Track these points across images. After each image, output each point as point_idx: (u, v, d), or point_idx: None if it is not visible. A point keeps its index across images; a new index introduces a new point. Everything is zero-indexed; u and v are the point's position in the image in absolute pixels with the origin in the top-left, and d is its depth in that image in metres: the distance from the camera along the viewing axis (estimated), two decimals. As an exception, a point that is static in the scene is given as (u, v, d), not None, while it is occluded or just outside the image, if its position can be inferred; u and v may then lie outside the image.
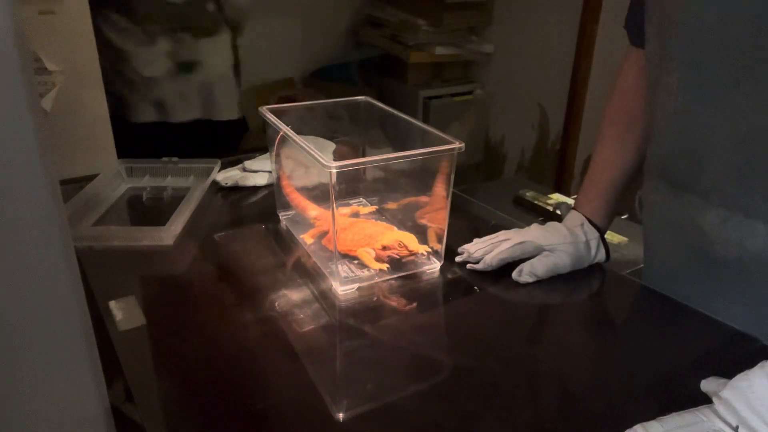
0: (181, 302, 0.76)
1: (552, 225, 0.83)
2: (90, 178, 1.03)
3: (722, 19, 0.59)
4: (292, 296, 0.76)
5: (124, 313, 0.71)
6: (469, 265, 0.82)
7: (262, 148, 1.12)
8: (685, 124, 0.66)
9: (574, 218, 0.83)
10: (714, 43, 0.61)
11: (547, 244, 0.79)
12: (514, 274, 0.79)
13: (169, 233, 0.88)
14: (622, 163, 0.84)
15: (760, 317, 0.67)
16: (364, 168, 1.01)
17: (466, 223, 1.01)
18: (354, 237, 0.81)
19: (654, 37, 0.70)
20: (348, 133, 1.03)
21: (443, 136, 0.78)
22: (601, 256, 0.82)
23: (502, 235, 0.82)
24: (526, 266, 0.79)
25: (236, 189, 1.08)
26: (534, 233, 0.81)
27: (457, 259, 0.83)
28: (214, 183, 1.08)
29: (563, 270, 0.80)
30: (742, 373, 0.50)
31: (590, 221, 0.83)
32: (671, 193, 0.72)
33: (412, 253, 0.79)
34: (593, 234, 0.82)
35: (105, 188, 1.04)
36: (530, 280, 0.78)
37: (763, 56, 0.57)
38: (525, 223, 0.87)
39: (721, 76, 0.61)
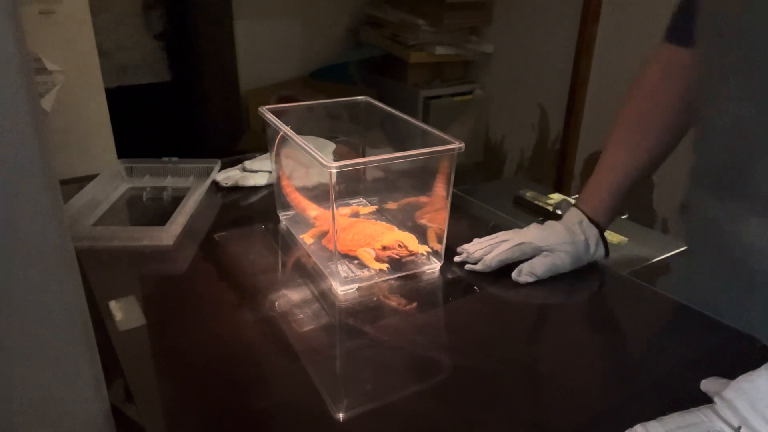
0: (181, 302, 0.76)
1: (551, 224, 0.83)
2: (90, 178, 1.03)
3: None
4: (292, 296, 0.76)
5: (124, 313, 0.71)
6: (467, 266, 0.82)
7: (262, 148, 1.12)
8: (743, 132, 0.64)
9: (573, 216, 0.83)
10: None
11: (546, 244, 0.79)
12: (514, 275, 0.79)
13: (169, 233, 0.88)
14: (632, 167, 0.82)
15: None
16: (364, 168, 1.01)
17: (466, 223, 1.01)
18: (354, 237, 0.81)
19: (712, 41, 0.67)
20: (348, 133, 1.03)
21: (443, 136, 0.78)
22: (600, 253, 0.82)
23: (501, 235, 0.82)
24: (525, 266, 0.79)
25: (236, 189, 1.08)
26: (533, 233, 0.81)
27: (456, 259, 0.83)
28: (214, 183, 1.08)
29: (563, 269, 0.80)
30: (746, 374, 0.50)
31: (590, 219, 0.82)
32: (717, 200, 0.70)
33: (412, 254, 0.79)
34: (592, 231, 0.82)
35: (105, 188, 1.04)
36: (530, 280, 0.78)
37: None
38: (525, 223, 0.87)
39: None
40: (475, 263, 0.81)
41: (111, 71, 2.25)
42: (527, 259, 0.79)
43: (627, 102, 0.84)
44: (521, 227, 0.84)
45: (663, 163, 0.83)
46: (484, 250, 0.81)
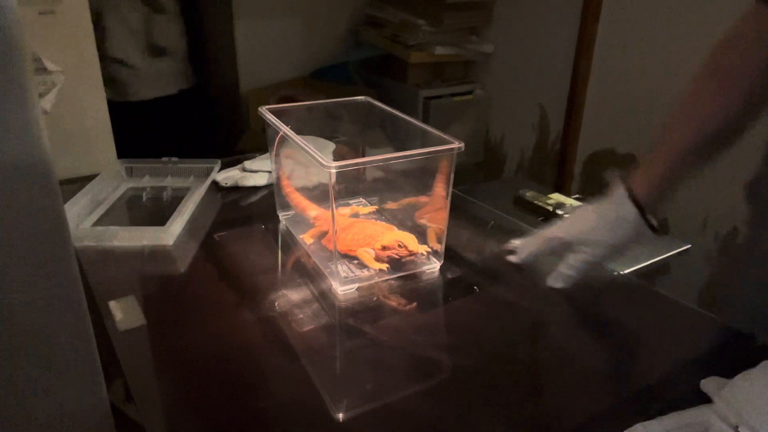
0: (181, 302, 0.76)
1: (593, 210, 0.75)
2: (90, 178, 1.03)
3: None
4: (292, 296, 0.76)
5: (124, 313, 0.71)
6: (508, 256, 0.83)
7: (262, 148, 1.12)
8: None
9: (616, 195, 0.73)
10: None
11: (577, 238, 0.75)
12: (549, 281, 0.78)
13: (169, 233, 0.88)
14: (706, 126, 0.67)
15: None
16: (364, 168, 1.01)
17: (466, 223, 1.01)
18: (354, 237, 0.81)
19: None
20: (348, 133, 1.03)
21: (443, 136, 0.78)
22: (645, 238, 0.71)
23: (547, 231, 0.80)
24: (560, 269, 0.77)
25: (236, 189, 1.08)
26: (568, 224, 0.78)
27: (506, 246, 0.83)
28: (214, 183, 1.08)
29: (599, 261, 0.76)
30: (743, 372, 0.50)
31: (634, 197, 0.72)
32: None
33: (411, 253, 0.79)
34: (630, 214, 0.71)
35: (105, 188, 1.04)
36: (564, 285, 0.77)
37: None
38: (525, 223, 0.87)
39: None
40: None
41: (163, 79, 2.27)
42: (561, 253, 0.78)
43: (715, 50, 0.69)
44: (522, 227, 0.84)
45: (724, 149, 0.69)
46: (523, 243, 0.82)
